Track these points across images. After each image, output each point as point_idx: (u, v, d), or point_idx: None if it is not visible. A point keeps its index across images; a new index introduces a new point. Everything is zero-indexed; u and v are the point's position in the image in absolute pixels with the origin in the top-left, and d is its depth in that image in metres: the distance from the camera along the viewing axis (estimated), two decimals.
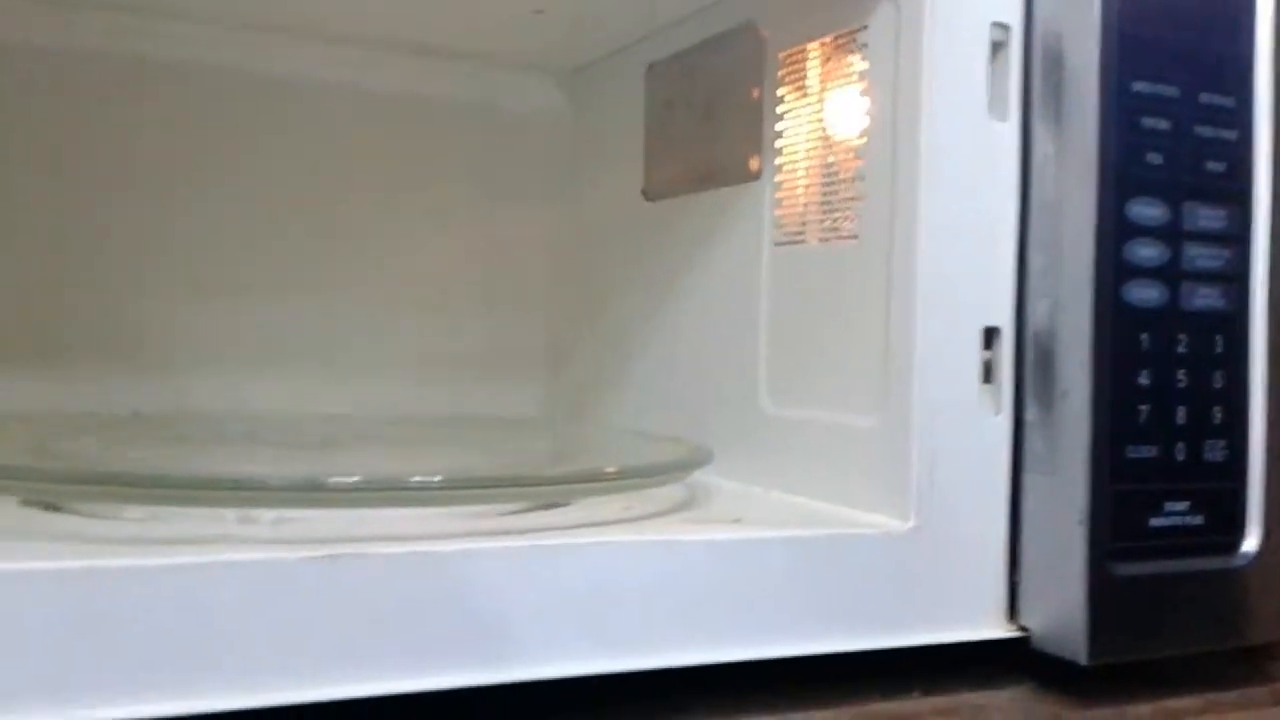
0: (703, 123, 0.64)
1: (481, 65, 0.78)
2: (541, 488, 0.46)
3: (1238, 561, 0.48)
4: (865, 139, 0.51)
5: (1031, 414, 0.47)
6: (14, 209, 0.67)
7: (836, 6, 0.53)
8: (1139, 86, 0.46)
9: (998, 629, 0.47)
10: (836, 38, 0.54)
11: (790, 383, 0.55)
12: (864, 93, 0.51)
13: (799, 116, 0.56)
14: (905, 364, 0.47)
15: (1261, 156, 0.49)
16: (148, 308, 0.70)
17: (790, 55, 0.57)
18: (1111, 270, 0.45)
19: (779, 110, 0.57)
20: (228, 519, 0.43)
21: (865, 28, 0.51)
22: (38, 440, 0.53)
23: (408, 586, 0.37)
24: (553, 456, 0.65)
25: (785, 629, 0.43)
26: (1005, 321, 0.47)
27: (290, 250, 0.74)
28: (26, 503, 0.43)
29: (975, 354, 0.47)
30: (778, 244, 0.57)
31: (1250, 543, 0.48)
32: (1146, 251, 0.46)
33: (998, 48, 0.47)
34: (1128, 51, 0.46)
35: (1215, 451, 0.47)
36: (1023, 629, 0.47)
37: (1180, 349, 0.46)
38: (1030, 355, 0.47)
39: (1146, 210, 0.46)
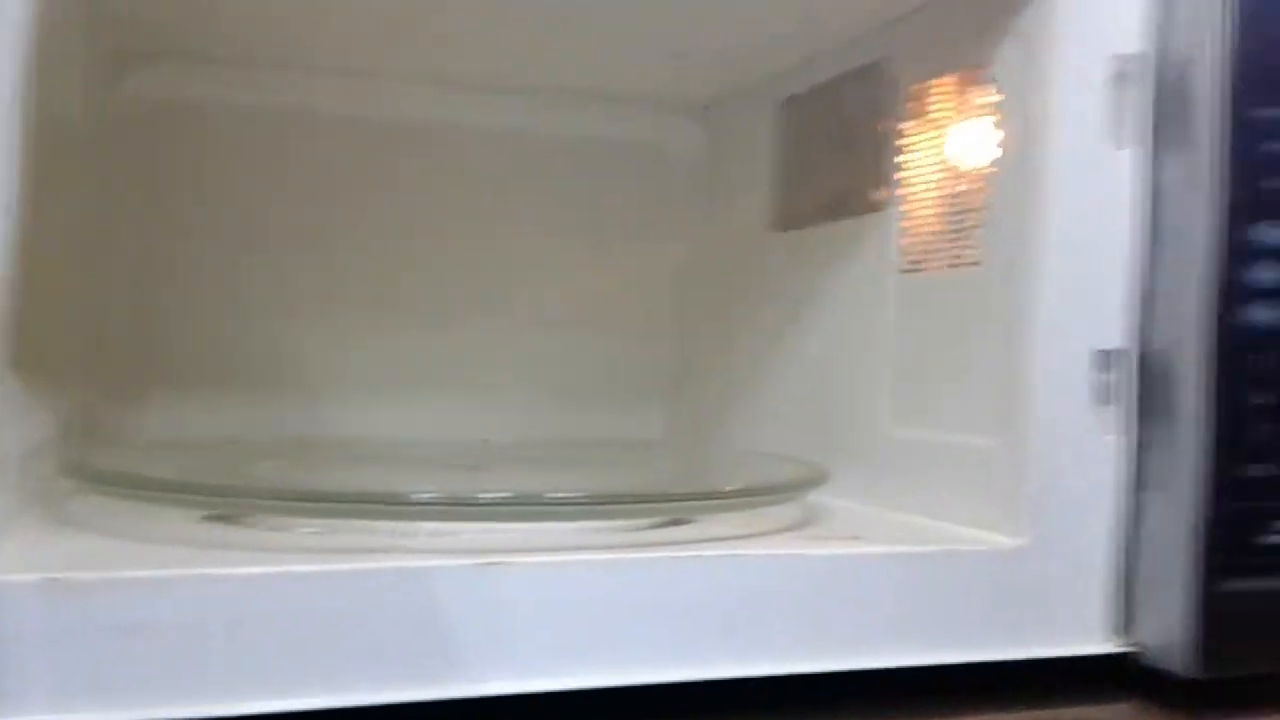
0: (832, 155, 0.67)
1: (620, 104, 0.82)
2: (673, 504, 0.49)
3: None
4: (989, 169, 0.53)
5: (1147, 434, 0.48)
6: (189, 252, 0.73)
7: (965, 43, 0.55)
8: (1261, 112, 0.47)
9: (1108, 644, 0.48)
10: (965, 73, 0.55)
11: (912, 404, 0.57)
12: (989, 125, 0.53)
13: (925, 148, 0.58)
14: (1024, 385, 0.48)
15: None
16: (307, 341, 0.76)
17: (919, 89, 0.59)
18: (1231, 293, 0.46)
19: (906, 142, 0.60)
20: (389, 532, 0.48)
21: (993, 62, 0.53)
22: (226, 462, 0.59)
23: (556, 593, 0.41)
24: (678, 476, 0.68)
25: (899, 641, 0.45)
26: (1124, 343, 0.48)
27: (434, 284, 0.79)
28: (208, 518, 0.49)
29: (1093, 376, 0.48)
30: (902, 271, 0.59)
31: None
32: (1268, 274, 0.47)
33: (1122, 78, 0.49)
34: (1249, 79, 0.47)
35: None
36: (1133, 644, 0.48)
37: None
38: (1149, 376, 0.48)
39: (1268, 234, 0.47)
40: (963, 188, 0.55)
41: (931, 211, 0.58)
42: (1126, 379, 0.48)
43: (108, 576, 0.36)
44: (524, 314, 0.81)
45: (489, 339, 0.79)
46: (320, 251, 0.76)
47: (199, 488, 0.46)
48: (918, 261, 0.58)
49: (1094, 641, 0.48)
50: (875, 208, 0.61)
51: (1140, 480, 0.48)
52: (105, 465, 0.50)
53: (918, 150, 0.59)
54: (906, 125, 0.60)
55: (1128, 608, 0.48)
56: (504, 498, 0.46)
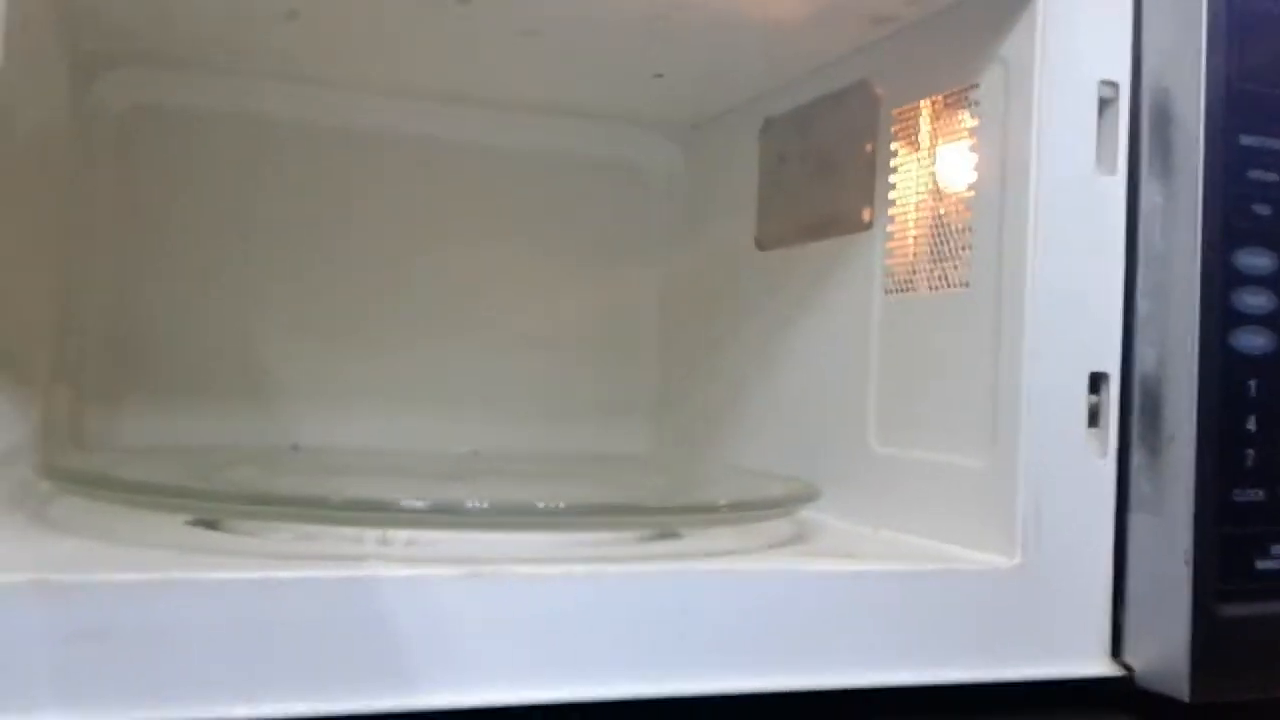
0: (816, 175, 0.67)
1: (601, 124, 0.82)
2: (661, 516, 0.49)
3: None
4: (976, 191, 0.53)
5: (1138, 457, 0.48)
6: (165, 257, 0.73)
7: (949, 66, 0.55)
8: (1246, 140, 0.48)
9: (1101, 666, 0.48)
10: (948, 95, 0.56)
11: (899, 424, 0.57)
12: (974, 147, 0.53)
13: (910, 170, 0.59)
14: (1013, 407, 0.48)
15: None
16: (288, 350, 0.75)
17: (903, 111, 0.59)
18: (1219, 318, 0.46)
19: (891, 164, 0.60)
20: (367, 540, 0.47)
21: (976, 86, 0.53)
22: (208, 468, 0.58)
23: (541, 604, 0.40)
24: (666, 491, 0.68)
25: (893, 659, 0.45)
26: (1112, 367, 0.49)
27: (417, 297, 0.78)
28: (191, 523, 0.47)
29: (1082, 398, 0.48)
30: (888, 292, 0.59)
31: None
32: (1254, 299, 0.47)
33: (1106, 104, 0.49)
34: (1235, 106, 0.47)
35: None
36: (1126, 667, 0.48)
37: None
38: (1138, 400, 0.48)
39: (1254, 260, 0.47)
40: (950, 210, 0.55)
41: (918, 233, 0.58)
42: (1116, 402, 0.49)
43: (92, 579, 0.35)
44: (506, 329, 0.80)
45: (471, 354, 0.79)
46: (299, 261, 0.76)
47: (185, 492, 0.45)
48: (905, 282, 0.58)
49: (1089, 663, 0.48)
50: (861, 228, 0.62)
51: (1133, 503, 0.48)
52: (86, 469, 0.49)
53: (906, 172, 0.59)
54: (892, 147, 0.60)
55: (1122, 630, 0.48)
56: (491, 506, 0.45)
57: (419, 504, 0.44)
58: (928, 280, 0.57)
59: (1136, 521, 0.48)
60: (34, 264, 0.54)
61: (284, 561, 0.39)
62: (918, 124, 0.59)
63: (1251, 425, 0.47)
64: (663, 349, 0.84)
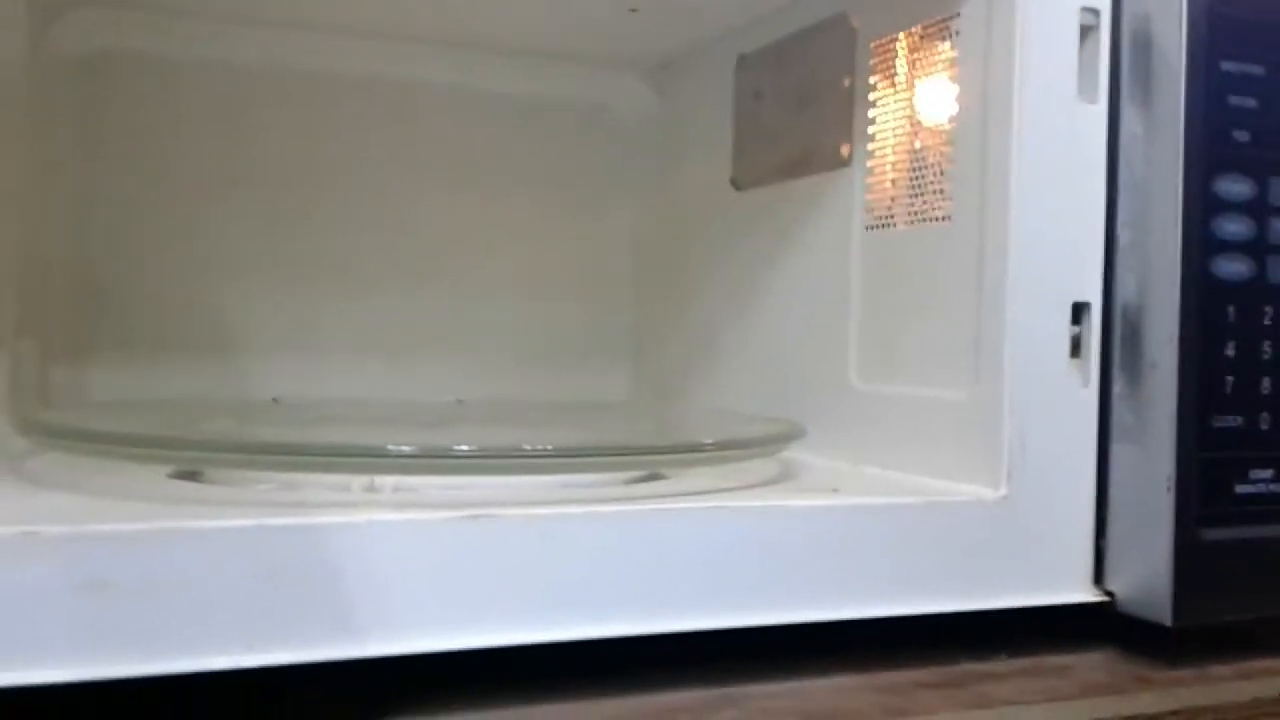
0: (793, 112, 0.67)
1: (572, 63, 0.81)
2: (650, 457, 0.49)
3: None
4: (956, 124, 0.53)
5: (1120, 386, 0.48)
6: (131, 208, 0.71)
7: None
8: (1226, 66, 0.48)
9: (1085, 593, 0.48)
10: (927, 27, 0.56)
11: (881, 360, 0.58)
12: (954, 79, 0.53)
13: (889, 104, 0.58)
14: (996, 339, 0.49)
15: None
16: (259, 302, 0.74)
17: (881, 44, 0.59)
18: (1199, 245, 0.47)
19: (870, 98, 0.60)
20: (354, 487, 0.47)
21: (957, 15, 0.53)
22: (186, 420, 0.57)
23: (541, 544, 0.40)
24: (652, 434, 0.68)
25: (881, 592, 0.45)
26: (1094, 297, 0.49)
27: (391, 248, 0.78)
28: (174, 474, 0.47)
29: (1064, 329, 0.49)
30: (869, 228, 0.59)
31: None
32: (1233, 226, 0.48)
33: (1087, 32, 0.49)
34: (1214, 32, 0.47)
35: None
36: (1108, 593, 0.48)
37: (1265, 321, 0.48)
38: (1119, 329, 0.49)
39: (1233, 186, 0.48)
40: (930, 143, 0.55)
41: (898, 167, 0.58)
42: (1099, 332, 0.49)
43: (81, 530, 0.35)
44: (480, 276, 0.80)
45: (446, 302, 0.79)
46: (270, 210, 0.75)
47: (173, 442, 0.45)
48: (884, 218, 0.58)
49: (1073, 590, 0.48)
50: (840, 164, 0.61)
51: (1115, 432, 0.48)
52: (66, 423, 0.48)
53: (885, 106, 0.59)
54: (870, 81, 0.60)
55: (1105, 557, 0.48)
56: (481, 450, 0.45)
57: (408, 448, 0.44)
58: (909, 215, 0.56)
59: (1118, 450, 0.48)
60: None
61: (280, 508, 0.39)
62: (897, 56, 0.58)
63: (1230, 352, 0.47)
64: (639, 292, 0.84)
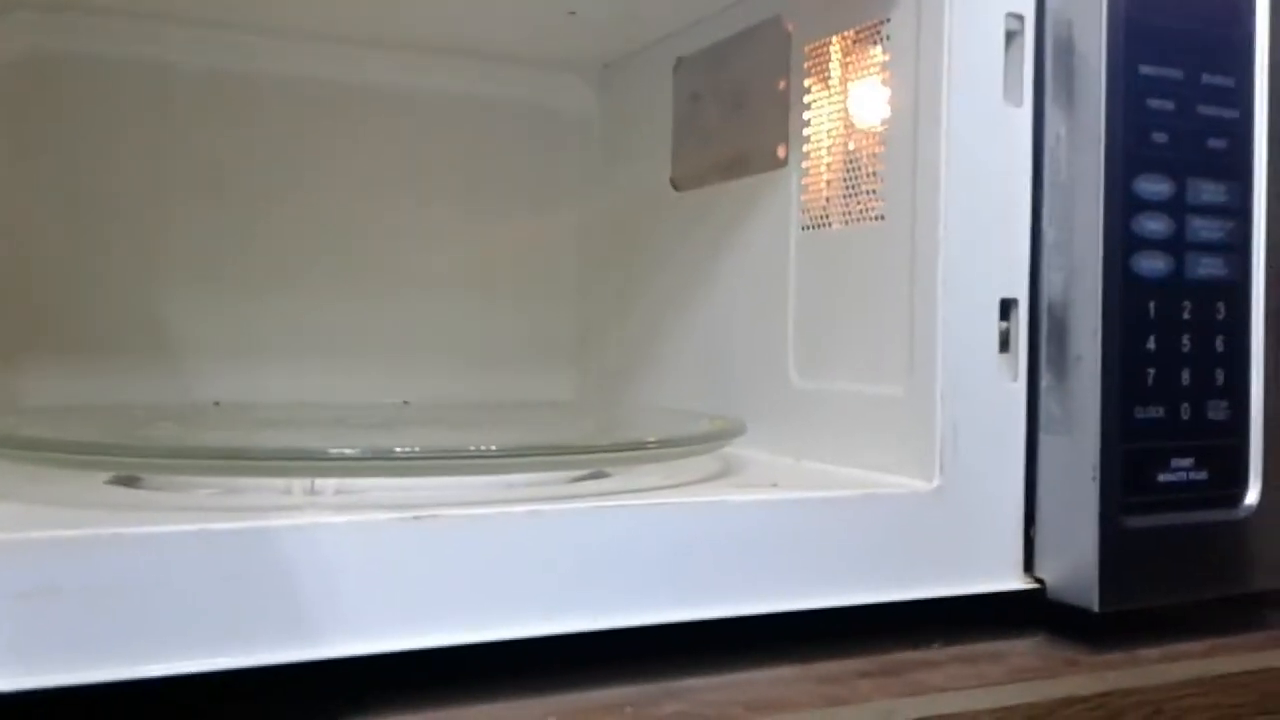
0: (730, 114, 0.68)
1: (514, 65, 0.82)
2: (593, 455, 0.50)
3: (1240, 514, 0.51)
4: (888, 126, 0.54)
5: (1046, 379, 0.50)
6: (63, 211, 0.71)
7: (860, 1, 0.56)
8: (1144, 70, 0.49)
9: (1015, 581, 0.50)
10: (859, 31, 0.57)
11: (818, 357, 0.59)
12: (886, 82, 0.54)
13: (824, 106, 0.60)
14: (929, 335, 0.50)
15: (1260, 134, 0.52)
16: (197, 305, 0.74)
17: (815, 48, 0.60)
18: (1120, 243, 0.48)
19: (805, 100, 0.61)
20: (295, 490, 0.47)
21: (887, 20, 0.54)
22: (124, 426, 0.57)
23: (486, 544, 0.40)
24: (595, 432, 0.69)
25: (818, 583, 0.46)
26: (1021, 293, 0.50)
27: (332, 249, 0.77)
28: (111, 480, 0.47)
29: (994, 324, 0.50)
30: (805, 227, 0.60)
31: (1251, 496, 0.51)
32: (1153, 225, 0.49)
33: (1012, 36, 0.51)
34: (1134, 37, 0.49)
35: (1218, 411, 0.50)
36: (1038, 580, 0.50)
37: (1185, 316, 0.50)
38: (1045, 324, 0.50)
39: (1152, 186, 0.49)
40: (863, 145, 0.56)
41: (832, 168, 0.59)
42: (1026, 327, 0.50)
43: (24, 537, 0.34)
44: (423, 277, 0.80)
45: (388, 303, 0.79)
46: (209, 213, 0.74)
47: (113, 449, 0.44)
48: (820, 218, 0.59)
49: (1005, 578, 0.50)
50: (776, 165, 0.62)
51: (1043, 423, 0.50)
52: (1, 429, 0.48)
53: (820, 109, 0.60)
54: (805, 83, 0.61)
55: (1034, 546, 0.50)
56: (422, 451, 0.46)
57: (350, 450, 0.44)
58: (843, 215, 0.58)
59: (1046, 441, 0.50)
60: None
61: (223, 513, 0.39)
62: (830, 59, 0.59)
63: (1151, 345, 0.49)
64: (582, 292, 0.85)
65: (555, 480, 0.50)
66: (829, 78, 0.59)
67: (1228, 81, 0.51)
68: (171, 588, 0.36)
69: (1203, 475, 0.50)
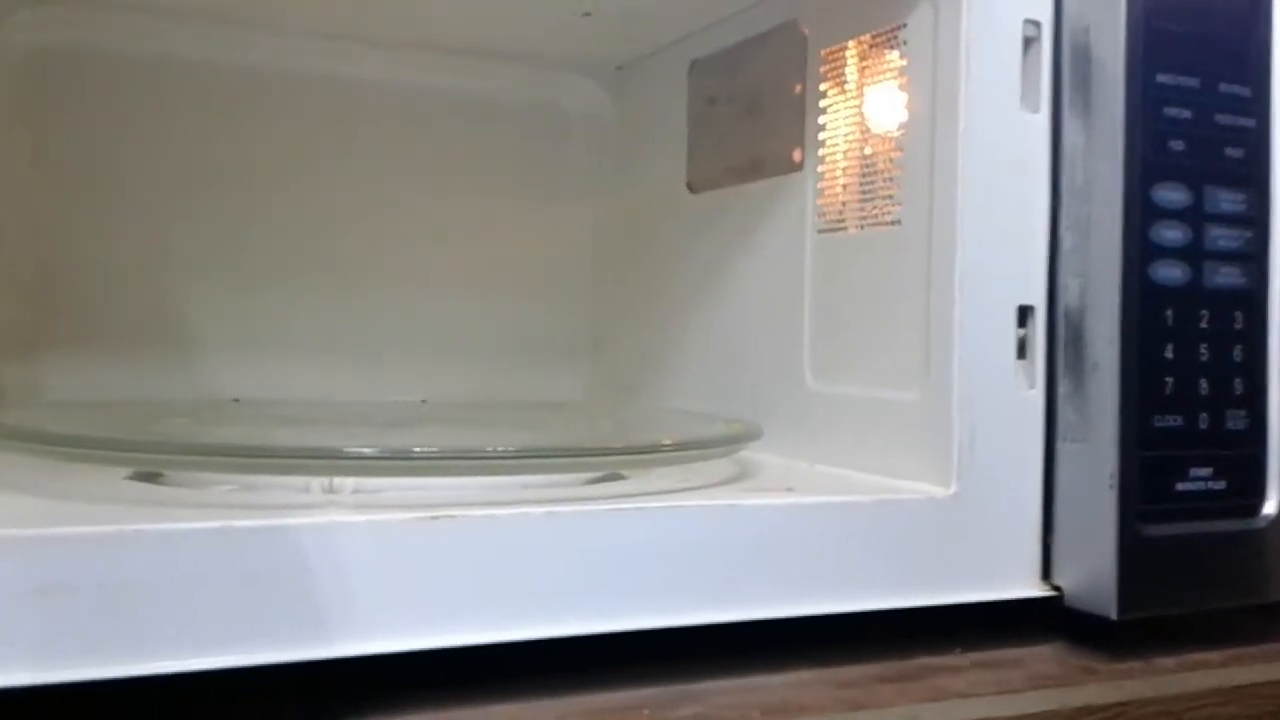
0: (746, 117, 0.68)
1: (528, 66, 0.82)
2: (610, 458, 0.50)
3: (1258, 523, 0.51)
4: (905, 131, 0.54)
5: (1064, 387, 0.50)
6: (106, 213, 0.71)
7: (877, 5, 0.56)
8: (1162, 78, 0.49)
9: (1033, 588, 0.50)
10: (876, 35, 0.57)
11: (834, 361, 0.59)
12: (903, 87, 0.54)
13: (840, 110, 0.60)
14: (945, 341, 0.50)
15: (1277, 143, 0.52)
16: (219, 302, 0.74)
17: (831, 52, 0.60)
18: (1138, 251, 0.48)
19: (821, 104, 0.61)
20: (313, 489, 0.47)
21: (904, 25, 0.54)
22: (143, 421, 0.57)
23: (502, 544, 0.40)
24: (608, 434, 0.69)
25: (836, 588, 0.46)
26: (1038, 300, 0.50)
27: (350, 248, 0.78)
28: (132, 476, 0.47)
29: (1011, 331, 0.50)
30: (820, 231, 0.60)
31: (1270, 506, 0.51)
32: (1170, 233, 0.49)
33: (1030, 43, 0.51)
34: (1152, 45, 0.49)
35: (1236, 420, 0.50)
36: (1056, 588, 0.50)
37: (1203, 324, 0.49)
38: (1062, 331, 0.50)
39: (1170, 194, 0.49)
40: (879, 149, 0.56)
41: (848, 173, 0.59)
42: (1043, 334, 0.50)
43: (43, 533, 0.35)
44: (439, 276, 0.80)
45: (404, 303, 0.79)
46: (230, 210, 0.74)
47: (135, 445, 0.45)
48: (835, 221, 0.59)
49: (1023, 585, 0.50)
50: (792, 169, 0.62)
51: (1060, 431, 0.50)
52: (23, 424, 0.48)
53: (836, 113, 0.60)
54: (821, 88, 0.61)
55: (1052, 553, 0.50)
56: (441, 451, 0.46)
57: (368, 450, 0.44)
58: (859, 219, 0.58)
59: (1064, 449, 0.50)
60: None
61: (242, 510, 0.39)
62: (847, 64, 0.59)
63: (1169, 354, 0.49)
64: (596, 293, 0.85)
65: (570, 482, 0.50)
66: (845, 82, 0.59)
67: (1245, 91, 0.51)
68: (190, 585, 0.36)
69: (1221, 484, 0.50)
